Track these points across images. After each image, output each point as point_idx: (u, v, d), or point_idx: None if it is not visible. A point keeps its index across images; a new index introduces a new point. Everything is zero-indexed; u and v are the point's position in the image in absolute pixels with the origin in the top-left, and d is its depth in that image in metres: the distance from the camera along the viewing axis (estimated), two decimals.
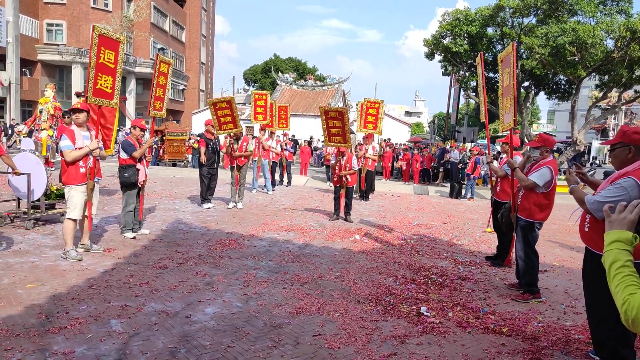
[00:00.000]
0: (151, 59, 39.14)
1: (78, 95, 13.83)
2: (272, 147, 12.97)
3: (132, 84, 38.18)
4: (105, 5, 36.03)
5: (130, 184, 6.47)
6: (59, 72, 37.06)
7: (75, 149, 5.37)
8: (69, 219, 5.44)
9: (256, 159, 12.46)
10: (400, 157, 19.44)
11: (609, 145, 3.39)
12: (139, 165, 6.51)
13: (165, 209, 9.23)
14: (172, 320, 3.91)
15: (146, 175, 6.74)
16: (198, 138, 20.41)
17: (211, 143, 9.78)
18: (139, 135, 6.68)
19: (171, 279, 4.97)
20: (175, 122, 29.99)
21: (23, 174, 6.57)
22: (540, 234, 8.63)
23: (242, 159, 9.88)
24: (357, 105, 13.30)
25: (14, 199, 7.31)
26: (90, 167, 5.54)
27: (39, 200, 7.04)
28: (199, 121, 37.00)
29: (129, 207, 6.57)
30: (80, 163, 5.45)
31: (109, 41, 5.61)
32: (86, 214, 5.61)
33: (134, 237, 6.60)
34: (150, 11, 40.40)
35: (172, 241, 6.67)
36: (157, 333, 3.65)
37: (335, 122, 8.78)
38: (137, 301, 4.29)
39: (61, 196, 7.29)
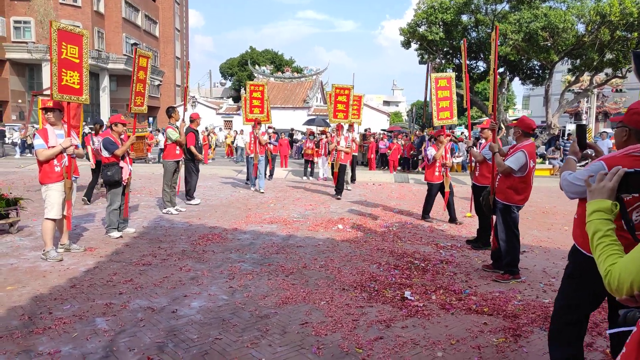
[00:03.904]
0: (124, 55, 38.44)
1: (35, 95, 13.20)
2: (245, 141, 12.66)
3: (105, 81, 37.45)
4: (75, 0, 35.14)
5: (114, 182, 6.37)
6: (29, 70, 36.14)
7: (49, 147, 5.28)
8: (47, 219, 5.35)
9: (252, 155, 11.56)
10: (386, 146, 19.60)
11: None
12: (122, 163, 6.41)
13: (146, 206, 9.14)
14: (158, 316, 3.90)
15: (130, 172, 6.65)
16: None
17: (197, 137, 9.68)
18: (122, 131, 6.56)
19: (155, 275, 4.94)
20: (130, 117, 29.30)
21: None
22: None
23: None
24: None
25: None
26: (66, 165, 5.44)
27: None
28: None
29: (114, 205, 6.47)
30: (55, 162, 5.35)
31: (71, 35, 5.46)
32: (64, 213, 5.53)
33: (120, 236, 6.52)
34: (122, 5, 39.59)
35: (154, 238, 6.62)
36: (143, 329, 3.64)
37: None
38: (122, 298, 4.26)
39: (8, 204, 6.70)
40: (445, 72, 23.28)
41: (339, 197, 10.95)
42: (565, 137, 23.06)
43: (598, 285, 2.67)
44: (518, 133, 5.27)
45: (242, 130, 23.82)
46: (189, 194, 9.63)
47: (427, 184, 8.46)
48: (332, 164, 10.85)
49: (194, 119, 9.60)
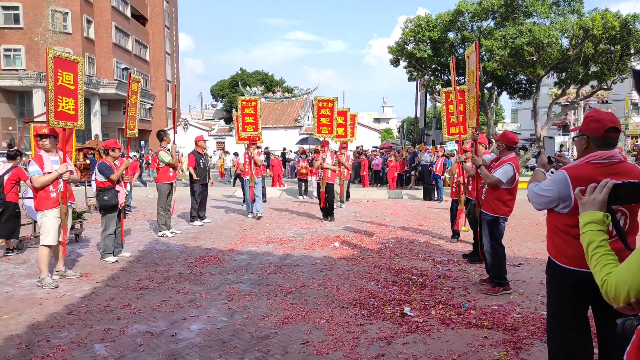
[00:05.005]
0: (115, 79, 38.59)
1: (26, 122, 13.16)
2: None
3: (96, 106, 37.47)
4: (65, 27, 35.35)
5: (110, 206, 6.36)
6: (19, 98, 36.14)
7: (44, 174, 5.28)
8: (43, 245, 5.31)
9: (247, 177, 10.47)
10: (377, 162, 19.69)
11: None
12: (118, 187, 6.41)
13: (141, 230, 9.09)
14: (158, 340, 3.86)
15: (125, 197, 6.65)
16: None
17: (202, 159, 9.77)
18: (117, 156, 6.59)
19: (153, 299, 4.91)
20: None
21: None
22: (513, 229, 8.85)
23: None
24: None
25: (30, 222, 7.66)
26: (62, 191, 5.44)
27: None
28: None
29: (109, 230, 6.44)
30: (51, 188, 5.35)
31: (66, 63, 5.54)
32: (60, 239, 5.50)
33: (116, 261, 6.48)
34: (112, 31, 39.88)
35: (150, 261, 6.58)
36: (143, 354, 3.61)
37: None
38: (120, 324, 4.22)
39: (77, 217, 7.92)
40: (434, 88, 23.58)
41: (330, 219, 10.18)
42: (558, 149, 23.30)
43: (576, 293, 2.69)
44: (502, 147, 5.37)
45: (226, 152, 23.84)
46: (190, 215, 9.80)
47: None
48: (319, 183, 10.02)
49: (197, 141, 9.79)
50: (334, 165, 10.22)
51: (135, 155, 21.11)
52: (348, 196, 14.13)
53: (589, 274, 1.72)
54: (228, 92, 58.17)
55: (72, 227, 7.52)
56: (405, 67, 22.85)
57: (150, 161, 21.03)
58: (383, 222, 10.15)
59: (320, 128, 9.77)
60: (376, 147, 29.62)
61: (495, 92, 22.70)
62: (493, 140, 6.95)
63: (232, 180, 20.12)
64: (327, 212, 10.28)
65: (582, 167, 2.62)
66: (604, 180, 1.74)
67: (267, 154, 20.50)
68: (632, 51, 17.77)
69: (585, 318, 2.73)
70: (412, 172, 18.46)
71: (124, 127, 7.42)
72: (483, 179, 5.39)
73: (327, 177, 10.01)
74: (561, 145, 24.04)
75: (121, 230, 6.74)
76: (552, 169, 3.22)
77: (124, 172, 6.59)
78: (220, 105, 62.50)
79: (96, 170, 6.43)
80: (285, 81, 61.49)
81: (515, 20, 18.49)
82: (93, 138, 22.51)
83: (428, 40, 20.39)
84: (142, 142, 40.82)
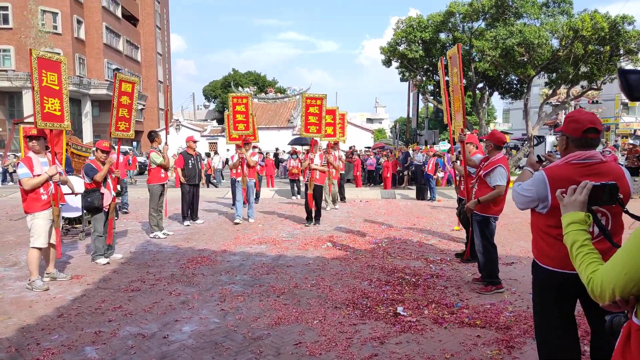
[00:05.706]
0: (106, 80, 38.34)
1: (15, 123, 13.06)
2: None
3: (87, 106, 37.21)
4: (55, 28, 35.07)
5: (93, 208, 6.30)
6: (9, 98, 35.78)
7: (34, 176, 5.22)
8: (33, 247, 5.26)
9: (239, 179, 9.94)
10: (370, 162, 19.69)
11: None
12: (103, 189, 6.34)
13: (133, 231, 9.03)
14: (149, 342, 3.84)
15: (114, 198, 6.57)
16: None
17: (191, 159, 9.68)
18: (102, 157, 6.50)
19: (144, 301, 4.87)
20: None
21: (78, 193, 7.48)
22: (505, 228, 8.91)
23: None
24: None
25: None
26: (52, 193, 5.38)
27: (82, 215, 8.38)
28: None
29: (98, 232, 6.38)
30: (41, 190, 5.29)
31: (50, 63, 5.47)
32: (52, 241, 5.44)
33: (107, 263, 6.43)
34: (103, 31, 39.63)
35: (142, 263, 6.54)
36: (134, 356, 3.58)
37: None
38: (111, 326, 4.19)
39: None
40: (426, 89, 23.64)
41: (316, 223, 9.62)
42: (548, 149, 23.46)
43: (560, 294, 2.69)
44: (490, 147, 5.39)
45: (215, 152, 23.77)
46: (182, 215, 9.85)
47: None
48: (307, 185, 9.64)
49: (187, 142, 9.80)
50: (322, 166, 9.76)
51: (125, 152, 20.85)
52: (343, 197, 14.12)
53: (572, 275, 1.73)
54: (220, 93, 57.97)
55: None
56: (397, 68, 22.94)
57: (130, 162, 20.82)
58: (376, 221, 10.16)
59: (308, 127, 9.36)
60: (369, 147, 29.67)
61: (487, 93, 22.85)
62: (484, 139, 6.99)
63: (215, 182, 20.09)
64: (313, 215, 9.69)
65: (561, 168, 2.63)
66: (584, 182, 1.79)
67: (262, 154, 20.41)
68: (621, 52, 17.98)
69: (571, 318, 2.72)
70: (405, 172, 18.50)
71: (109, 127, 7.21)
72: (473, 180, 5.40)
73: (316, 178, 9.55)
74: (554, 145, 24.22)
75: (109, 233, 6.60)
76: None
77: (114, 171, 6.57)
78: (212, 106, 62.30)
79: (83, 172, 6.40)
80: (277, 82, 61.47)
81: (505, 21, 18.63)
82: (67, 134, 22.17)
83: (420, 41, 20.48)
84: (134, 143, 40.59)
